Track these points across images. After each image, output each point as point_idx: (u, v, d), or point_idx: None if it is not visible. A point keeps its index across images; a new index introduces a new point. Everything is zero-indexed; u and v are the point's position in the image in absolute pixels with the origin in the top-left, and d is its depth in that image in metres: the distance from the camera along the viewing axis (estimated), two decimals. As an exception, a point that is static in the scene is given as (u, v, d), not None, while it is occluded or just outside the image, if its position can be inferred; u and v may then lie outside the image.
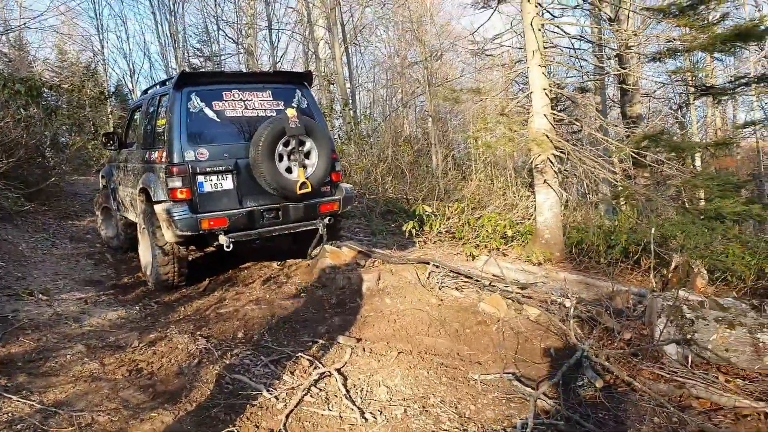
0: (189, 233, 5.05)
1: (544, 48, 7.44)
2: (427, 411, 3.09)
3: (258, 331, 4.33)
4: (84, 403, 3.14)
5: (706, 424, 2.88)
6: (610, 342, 3.90)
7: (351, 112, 16.16)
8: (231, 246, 5.15)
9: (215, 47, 23.83)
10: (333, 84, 16.67)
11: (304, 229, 5.70)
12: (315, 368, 3.60)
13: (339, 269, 5.21)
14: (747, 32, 7.09)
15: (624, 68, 9.61)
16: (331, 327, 4.34)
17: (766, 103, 18.01)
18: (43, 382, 3.37)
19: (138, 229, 6.08)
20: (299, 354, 3.83)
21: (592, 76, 10.90)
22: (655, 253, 6.64)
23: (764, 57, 14.37)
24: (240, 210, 5.26)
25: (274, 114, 5.49)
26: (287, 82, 5.85)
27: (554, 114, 7.41)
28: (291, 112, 5.35)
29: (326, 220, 5.74)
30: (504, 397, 3.27)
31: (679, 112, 20.02)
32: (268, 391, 3.31)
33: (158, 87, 6.24)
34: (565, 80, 11.32)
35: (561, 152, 7.06)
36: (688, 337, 3.52)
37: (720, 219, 6.77)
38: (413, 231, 7.13)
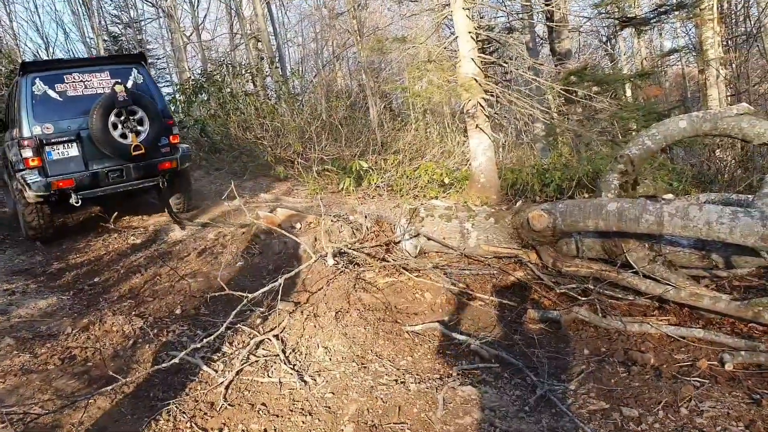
0: (43, 193, 6.05)
1: (468, -11, 7.32)
2: (365, 368, 3.15)
3: (195, 305, 4.27)
4: (15, 397, 3.04)
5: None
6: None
7: (278, 70, 15.63)
8: (80, 202, 6.20)
9: (133, 13, 22.41)
10: (260, 41, 16.00)
11: (149, 184, 6.71)
12: (253, 337, 3.60)
13: (274, 234, 5.15)
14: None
15: (549, 4, 9.62)
16: (269, 293, 4.31)
17: (690, 30, 18.45)
18: (-32, 383, 3.23)
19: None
20: (237, 324, 3.81)
21: (519, 15, 10.87)
22: (588, 188, 6.87)
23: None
24: (85, 172, 6.27)
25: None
26: (123, 63, 6.80)
27: (482, 57, 7.39)
28: (119, 88, 6.24)
29: (166, 176, 6.76)
30: (439, 345, 3.36)
31: (608, 44, 20.37)
32: (206, 364, 3.29)
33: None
34: (495, 20, 11.21)
35: (491, 95, 7.09)
36: (417, 232, 4.73)
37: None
38: (351, 188, 7.09)
